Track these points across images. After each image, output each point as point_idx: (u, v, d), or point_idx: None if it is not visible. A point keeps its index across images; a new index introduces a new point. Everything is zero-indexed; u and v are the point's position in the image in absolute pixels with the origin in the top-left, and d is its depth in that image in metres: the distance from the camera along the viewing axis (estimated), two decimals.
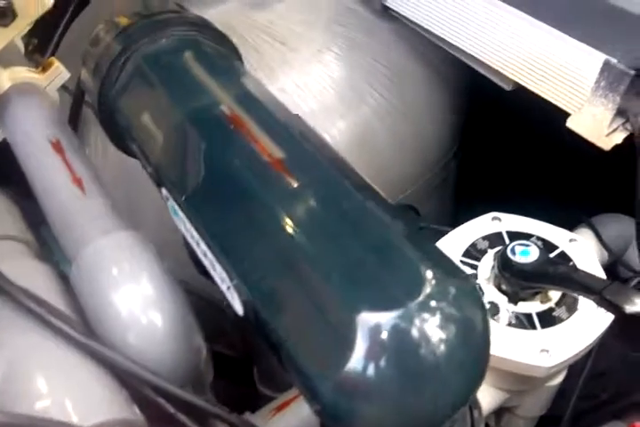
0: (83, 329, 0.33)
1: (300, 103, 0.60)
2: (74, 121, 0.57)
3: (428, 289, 0.26)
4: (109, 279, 0.35)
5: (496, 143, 0.73)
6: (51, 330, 0.32)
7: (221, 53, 0.44)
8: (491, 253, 0.47)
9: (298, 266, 0.29)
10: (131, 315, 0.33)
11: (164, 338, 0.33)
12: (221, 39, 0.46)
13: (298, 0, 0.67)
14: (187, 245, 0.40)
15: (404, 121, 0.63)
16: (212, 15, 0.50)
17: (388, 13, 0.66)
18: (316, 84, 0.62)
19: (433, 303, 0.26)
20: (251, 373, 0.48)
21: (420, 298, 0.26)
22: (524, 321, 0.42)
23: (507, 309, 0.43)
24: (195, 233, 0.34)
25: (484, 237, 0.48)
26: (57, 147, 0.44)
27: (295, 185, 0.31)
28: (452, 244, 0.48)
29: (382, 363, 0.25)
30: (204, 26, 0.46)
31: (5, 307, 0.34)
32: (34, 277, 0.37)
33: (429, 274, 0.27)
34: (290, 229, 0.30)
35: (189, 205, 0.34)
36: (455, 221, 0.54)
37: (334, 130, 0.59)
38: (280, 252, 0.30)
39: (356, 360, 0.25)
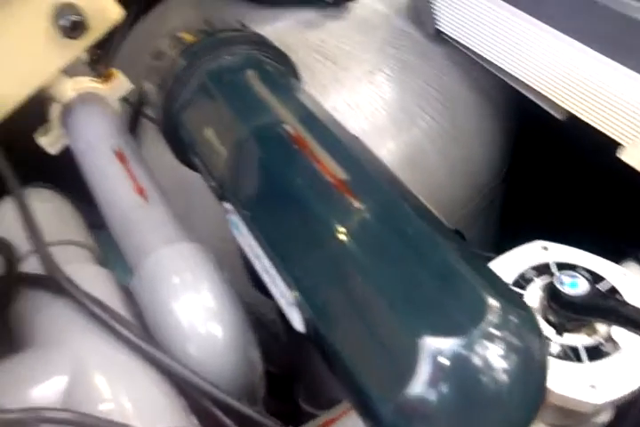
0: (145, 336, 0.34)
1: (351, 122, 0.61)
2: (131, 131, 0.59)
3: (490, 317, 0.27)
4: (170, 289, 0.36)
5: (544, 169, 0.73)
6: (114, 336, 0.33)
7: (281, 72, 0.46)
8: (537, 282, 0.47)
9: (360, 287, 0.29)
10: (191, 326, 0.34)
11: (224, 350, 0.34)
12: (281, 57, 0.47)
13: (351, 20, 0.68)
14: (244, 259, 0.41)
15: (455, 144, 0.63)
16: (268, 32, 0.51)
17: (440, 37, 0.66)
18: (368, 104, 0.63)
19: (495, 331, 0.26)
20: (292, 389, 0.48)
21: (483, 325, 0.26)
22: (569, 354, 0.42)
23: (553, 340, 0.43)
24: (257, 248, 0.34)
25: (532, 267, 0.48)
26: (120, 156, 0.45)
27: (359, 207, 0.32)
28: (500, 271, 0.49)
29: (443, 389, 0.26)
30: (265, 44, 0.47)
31: (67, 308, 0.35)
32: (97, 282, 0.38)
33: (491, 301, 0.27)
34: (353, 251, 0.30)
35: (253, 220, 0.35)
36: (498, 247, 0.54)
37: (384, 150, 0.60)
38: (343, 272, 0.30)
39: (417, 385, 0.26)
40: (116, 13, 0.50)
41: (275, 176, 0.36)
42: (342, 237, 0.31)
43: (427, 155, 0.62)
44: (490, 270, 0.31)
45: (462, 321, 0.27)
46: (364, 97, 0.63)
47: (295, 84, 0.44)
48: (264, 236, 0.34)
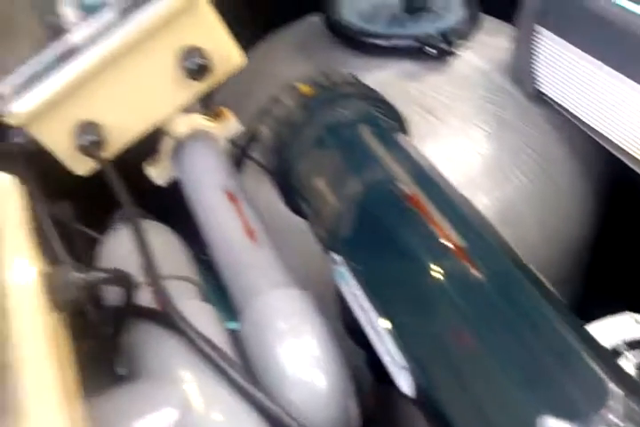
0: (250, 379, 0.34)
1: (446, 175, 0.62)
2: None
3: (611, 403, 0.27)
4: (276, 335, 0.37)
5: (636, 235, 0.72)
6: (221, 376, 0.34)
7: (394, 127, 0.47)
8: (629, 357, 0.47)
9: (477, 359, 0.30)
10: (295, 373, 0.35)
11: (326, 400, 0.34)
12: (393, 113, 0.48)
13: (452, 75, 0.70)
14: (341, 306, 0.42)
15: (547, 204, 0.64)
16: (370, 81, 0.52)
17: (540, 97, 0.67)
18: (464, 158, 0.64)
19: (617, 420, 0.26)
20: None
21: (604, 412, 0.26)
22: None
23: None
24: (367, 305, 0.35)
25: (624, 341, 0.48)
26: (231, 197, 0.47)
27: (478, 276, 0.32)
28: None
29: None
30: (379, 99, 0.48)
31: (177, 343, 0.37)
32: (204, 319, 0.39)
33: (612, 386, 0.27)
34: (469, 320, 0.31)
35: (364, 278, 0.36)
36: (583, 312, 0.53)
37: (478, 205, 0.60)
38: (459, 342, 0.31)
39: None
40: (238, 59, 0.52)
41: (390, 235, 0.36)
42: (459, 305, 0.31)
43: (519, 212, 0.62)
44: (606, 350, 0.31)
45: (581, 405, 0.27)
46: (461, 151, 0.64)
47: (407, 141, 0.45)
48: (374, 294, 0.35)
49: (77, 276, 0.34)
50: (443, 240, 0.34)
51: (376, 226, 0.38)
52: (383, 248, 0.36)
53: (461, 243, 0.34)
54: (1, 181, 0.34)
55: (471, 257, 0.33)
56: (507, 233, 0.52)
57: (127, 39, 0.48)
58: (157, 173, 0.56)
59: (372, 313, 0.35)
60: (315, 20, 0.81)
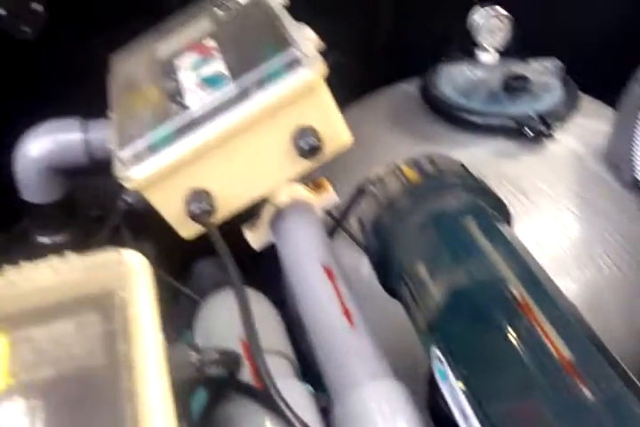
0: None
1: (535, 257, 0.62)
2: None
3: None
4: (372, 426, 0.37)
5: None
6: None
7: (499, 220, 0.47)
8: None
9: None
10: None
11: None
12: (498, 203, 0.49)
13: (546, 157, 0.70)
14: (433, 396, 0.42)
15: (635, 294, 0.63)
16: (463, 157, 0.54)
17: (636, 186, 0.67)
18: (554, 242, 0.64)
19: None
20: None
21: None
22: None
23: None
24: (469, 411, 0.35)
25: None
26: (329, 273, 0.48)
27: (588, 395, 0.32)
28: None
29: None
30: (485, 190, 0.49)
31: (272, 422, 0.38)
32: (300, 400, 0.40)
33: None
34: None
35: (465, 377, 0.37)
36: None
37: (565, 290, 0.60)
38: None
39: None
40: (347, 140, 0.54)
41: (496, 338, 0.37)
42: (566, 419, 0.32)
43: (605, 301, 0.62)
44: None
45: None
46: (551, 235, 0.64)
47: (513, 234, 0.46)
48: (475, 398, 0.35)
49: (194, 356, 0.35)
50: (553, 353, 0.35)
51: (481, 326, 0.38)
52: (487, 351, 0.37)
53: (570, 356, 0.34)
54: (133, 261, 0.36)
55: (579, 371, 0.33)
56: (591, 320, 0.52)
57: (246, 117, 0.51)
58: (255, 238, 0.58)
59: (472, 416, 0.35)
60: (410, 87, 0.83)
